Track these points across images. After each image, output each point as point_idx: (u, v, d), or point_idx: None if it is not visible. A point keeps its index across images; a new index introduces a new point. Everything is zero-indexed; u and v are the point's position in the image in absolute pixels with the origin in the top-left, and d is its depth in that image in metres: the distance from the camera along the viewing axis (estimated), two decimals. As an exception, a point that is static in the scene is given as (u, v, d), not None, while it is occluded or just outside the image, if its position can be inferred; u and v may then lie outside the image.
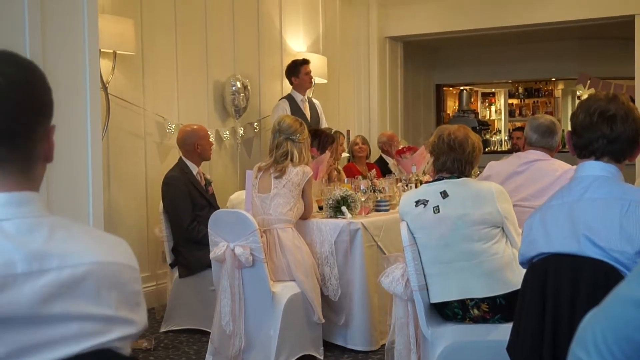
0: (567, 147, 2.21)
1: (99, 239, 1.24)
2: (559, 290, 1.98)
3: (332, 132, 5.52)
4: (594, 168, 2.04)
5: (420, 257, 3.18)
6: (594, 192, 1.99)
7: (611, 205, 1.93)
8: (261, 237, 3.97)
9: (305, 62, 6.53)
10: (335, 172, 5.25)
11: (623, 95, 2.14)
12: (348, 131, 7.95)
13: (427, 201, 3.19)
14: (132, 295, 1.22)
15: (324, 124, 6.58)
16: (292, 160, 4.19)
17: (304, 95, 6.53)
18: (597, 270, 1.90)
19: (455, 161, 3.21)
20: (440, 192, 3.18)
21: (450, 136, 3.21)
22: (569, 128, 2.20)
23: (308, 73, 6.48)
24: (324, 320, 4.16)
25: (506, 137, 13.05)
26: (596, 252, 1.91)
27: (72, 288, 1.13)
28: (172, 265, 4.93)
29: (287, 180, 4.15)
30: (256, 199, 4.23)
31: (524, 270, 2.21)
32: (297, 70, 6.47)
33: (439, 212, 3.14)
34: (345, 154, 7.10)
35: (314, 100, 6.73)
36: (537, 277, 2.05)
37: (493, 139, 13.02)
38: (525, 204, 3.57)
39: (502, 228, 3.15)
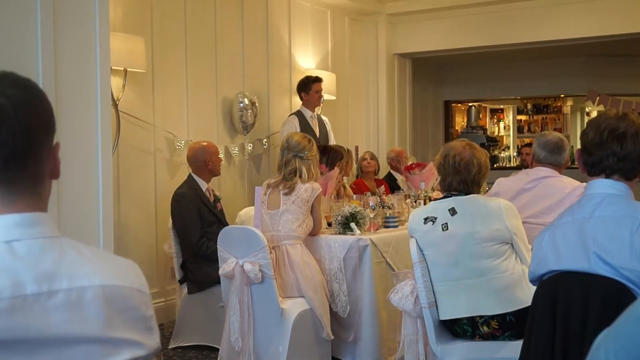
0: (576, 164, 2.20)
1: (110, 261, 1.24)
2: (569, 308, 1.97)
3: (346, 150, 5.54)
4: (604, 186, 2.04)
5: (429, 274, 3.18)
6: (604, 210, 1.99)
7: (622, 223, 1.92)
8: (270, 253, 3.97)
9: (318, 80, 6.56)
10: (342, 188, 5.25)
11: (632, 113, 2.14)
12: (357, 147, 7.97)
13: (435, 218, 3.19)
14: (142, 319, 1.22)
15: (332, 141, 6.60)
16: (300, 177, 4.20)
17: (313, 111, 6.55)
18: (608, 288, 1.90)
19: (461, 182, 3.21)
20: (449, 209, 3.18)
21: (456, 158, 3.20)
22: (578, 145, 2.20)
23: (318, 91, 6.51)
24: (332, 337, 4.15)
25: (515, 153, 13.03)
26: (607, 270, 1.91)
27: (80, 310, 1.14)
28: (181, 282, 4.93)
29: (296, 197, 4.16)
30: (265, 215, 4.24)
31: (534, 288, 2.20)
32: (308, 86, 6.51)
33: (447, 229, 3.14)
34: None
35: (323, 117, 6.76)
36: (547, 295, 2.04)
37: (502, 155, 13.00)
38: (534, 220, 3.56)
39: (512, 244, 3.14)
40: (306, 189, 4.18)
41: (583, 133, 2.15)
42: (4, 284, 1.08)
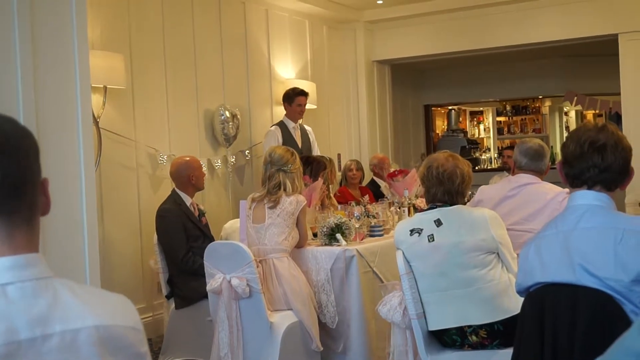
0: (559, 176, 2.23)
1: (103, 300, 1.24)
2: (557, 319, 2.00)
3: (329, 160, 5.55)
4: (587, 197, 2.07)
5: (417, 285, 3.20)
6: (588, 222, 2.01)
7: (605, 234, 1.95)
8: (257, 267, 3.97)
9: (303, 93, 6.58)
10: (326, 198, 5.26)
11: (611, 124, 2.18)
12: (339, 155, 8.00)
13: (421, 230, 3.21)
14: (137, 356, 1.22)
15: (316, 151, 6.61)
16: (285, 190, 4.21)
17: (296, 122, 6.57)
18: (594, 299, 1.92)
19: (445, 193, 3.24)
20: (434, 221, 3.20)
21: (439, 169, 3.23)
22: (558, 147, 2.23)
23: (300, 105, 6.53)
24: (322, 348, 4.16)
25: (496, 155, 13.12)
26: (592, 281, 1.94)
27: (75, 352, 1.14)
28: (168, 297, 4.91)
29: (281, 210, 4.17)
30: (251, 229, 4.24)
31: (521, 297, 2.23)
32: (291, 98, 6.54)
33: (433, 240, 3.17)
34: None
35: (306, 127, 6.77)
36: (534, 306, 2.07)
37: (483, 157, 13.09)
38: (517, 227, 3.60)
39: (497, 254, 3.17)
40: (291, 202, 4.19)
41: (564, 145, 2.18)
42: None
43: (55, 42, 3.47)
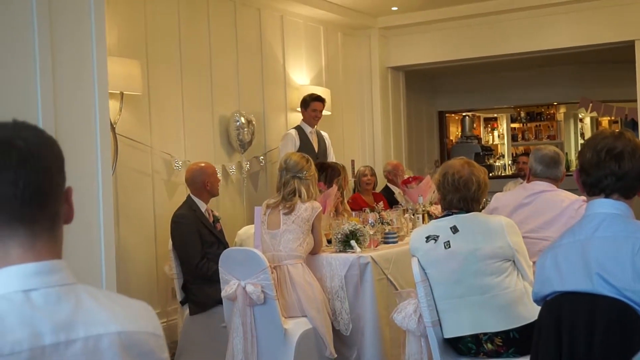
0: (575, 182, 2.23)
1: (124, 306, 1.26)
2: (574, 328, 1.99)
3: (342, 167, 5.54)
4: (605, 206, 2.06)
5: (432, 292, 3.20)
6: (605, 230, 2.01)
7: (623, 243, 1.95)
8: (271, 273, 3.99)
9: (319, 99, 6.62)
10: (340, 205, 5.26)
11: (628, 131, 2.17)
12: (352, 161, 8.00)
13: (437, 237, 3.21)
14: None
15: (331, 157, 6.64)
16: (300, 197, 4.22)
17: (312, 127, 6.60)
18: (612, 308, 1.92)
19: (461, 200, 3.24)
20: (450, 227, 3.20)
21: (454, 176, 3.23)
22: (573, 153, 2.23)
23: (315, 110, 6.56)
24: (336, 355, 4.15)
25: (510, 162, 13.08)
26: (610, 291, 1.93)
27: (98, 358, 1.15)
28: (182, 303, 4.93)
29: (296, 216, 4.18)
30: (265, 235, 4.25)
31: (536, 305, 2.23)
32: (307, 103, 6.58)
33: (449, 247, 3.17)
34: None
35: (323, 133, 6.80)
36: (552, 315, 2.07)
37: (497, 163, 13.05)
38: (533, 235, 3.59)
39: (513, 261, 3.17)
40: (306, 208, 4.20)
41: (580, 153, 2.18)
42: (22, 336, 1.10)
43: (74, 49, 3.50)
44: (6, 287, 1.16)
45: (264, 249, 4.22)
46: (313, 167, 4.36)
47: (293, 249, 4.15)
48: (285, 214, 4.20)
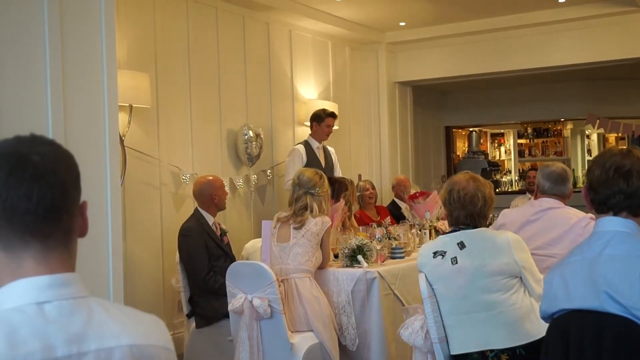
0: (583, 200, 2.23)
1: (136, 319, 1.27)
2: (582, 345, 1.99)
3: (350, 182, 5.55)
4: (613, 223, 2.06)
5: (439, 308, 3.20)
6: (614, 249, 2.01)
7: (632, 262, 1.94)
8: (279, 286, 3.99)
9: (333, 115, 6.65)
10: (347, 219, 5.26)
11: (636, 149, 2.18)
12: (359, 175, 8.01)
13: (444, 252, 3.21)
14: None
15: (338, 172, 6.65)
16: (311, 212, 4.24)
17: (320, 143, 6.62)
18: (620, 326, 1.91)
19: (467, 216, 3.24)
20: (458, 243, 3.21)
21: (460, 193, 3.24)
22: (580, 170, 2.23)
23: (329, 126, 6.60)
24: (342, 370, 4.16)
25: (516, 177, 13.07)
26: (617, 309, 1.93)
27: None
28: (189, 316, 4.94)
29: (306, 231, 4.20)
30: (274, 248, 4.27)
31: (543, 322, 2.22)
32: (321, 118, 6.58)
33: (457, 263, 3.17)
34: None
35: (329, 148, 6.82)
36: (559, 333, 2.06)
37: (503, 179, 13.05)
38: (540, 252, 3.59)
39: (520, 278, 3.17)
40: (316, 223, 4.22)
41: (588, 170, 2.18)
42: (35, 348, 1.11)
43: (84, 62, 3.53)
44: (20, 299, 1.17)
45: (272, 261, 4.24)
46: (326, 183, 4.38)
47: (301, 263, 4.16)
48: (295, 228, 4.22)
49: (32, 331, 1.13)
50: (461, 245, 3.19)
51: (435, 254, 3.24)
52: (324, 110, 6.71)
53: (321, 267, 4.34)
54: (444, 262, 3.20)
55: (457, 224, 3.28)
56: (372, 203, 7.16)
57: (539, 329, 2.95)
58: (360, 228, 5.04)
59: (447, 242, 3.26)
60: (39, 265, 1.20)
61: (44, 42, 3.31)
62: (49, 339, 1.13)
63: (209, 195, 5.02)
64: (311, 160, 6.39)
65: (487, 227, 3.45)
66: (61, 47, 3.38)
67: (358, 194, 7.21)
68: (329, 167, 6.59)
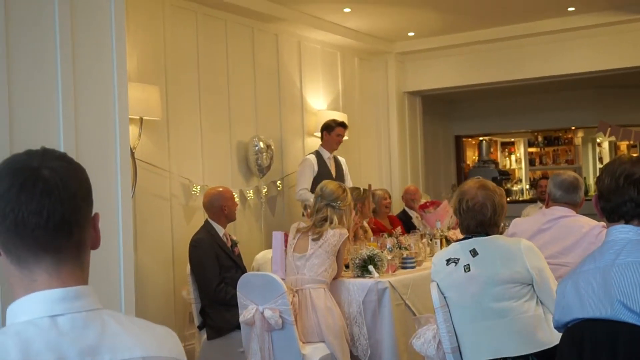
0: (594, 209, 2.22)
1: (149, 331, 1.27)
2: (596, 355, 1.98)
3: (362, 191, 5.54)
4: (625, 232, 2.06)
5: (451, 317, 3.19)
6: (627, 257, 2.00)
7: (644, 270, 1.94)
8: (293, 296, 4.00)
9: (343, 125, 6.68)
10: (362, 231, 5.27)
11: (647, 156, 2.17)
12: (370, 185, 8.00)
13: (458, 259, 3.21)
14: None
15: (348, 181, 6.65)
16: (330, 224, 4.25)
17: (331, 153, 6.64)
18: (634, 335, 1.91)
19: (478, 225, 3.24)
20: (470, 251, 3.20)
21: (469, 202, 3.24)
22: (591, 178, 2.22)
23: (340, 135, 6.61)
24: (354, 381, 4.15)
25: (527, 186, 13.03)
26: (632, 317, 1.92)
27: None
28: (200, 327, 4.95)
29: (323, 242, 4.22)
30: (291, 258, 4.29)
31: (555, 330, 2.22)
32: (331, 128, 6.61)
33: (469, 270, 3.16)
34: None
35: (340, 158, 6.83)
36: (573, 342, 2.06)
37: (514, 188, 13.00)
38: (553, 261, 3.57)
39: (532, 286, 3.15)
40: (334, 234, 4.24)
41: (598, 179, 2.18)
42: None
43: (95, 75, 3.56)
44: (33, 312, 1.18)
45: (288, 272, 4.26)
46: (349, 197, 4.40)
47: (318, 274, 4.18)
48: (313, 239, 4.24)
49: (46, 344, 1.14)
50: (473, 253, 3.19)
51: (448, 261, 3.24)
52: (334, 120, 6.74)
53: (334, 278, 4.34)
54: (456, 270, 3.20)
55: (468, 233, 3.29)
56: (387, 212, 7.13)
57: (552, 337, 2.95)
58: (372, 238, 5.04)
59: (460, 249, 3.26)
60: (51, 278, 1.21)
61: (55, 55, 3.34)
62: (63, 352, 1.14)
63: (219, 207, 5.04)
64: (322, 170, 6.41)
65: (499, 234, 3.44)
66: (72, 59, 3.41)
67: (374, 205, 7.20)
68: (339, 177, 6.59)
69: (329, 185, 4.40)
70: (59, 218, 1.21)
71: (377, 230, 5.74)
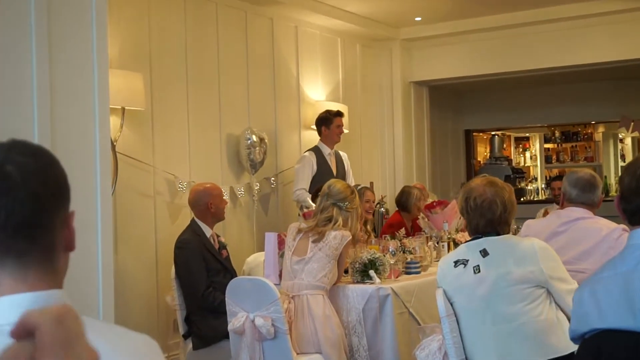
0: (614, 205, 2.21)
1: (128, 340, 1.27)
2: (614, 368, 1.98)
3: (359, 188, 5.53)
4: (648, 235, 2.05)
5: (458, 323, 3.19)
6: (650, 263, 1.99)
7: (670, 277, 1.93)
8: (289, 302, 4.00)
9: (339, 114, 6.68)
10: (364, 234, 5.24)
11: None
12: (371, 183, 8.01)
13: (467, 261, 3.22)
14: None
15: (350, 179, 6.66)
16: (334, 225, 4.25)
17: (332, 148, 6.63)
18: (657, 347, 1.90)
19: (487, 224, 3.24)
20: (480, 251, 3.20)
21: (477, 200, 3.24)
22: (613, 177, 2.22)
23: (340, 126, 6.62)
24: (352, 396, 4.15)
25: (543, 185, 13.03)
26: (655, 329, 1.92)
27: None
28: (185, 336, 4.93)
29: (324, 244, 4.21)
30: (288, 261, 4.28)
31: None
32: (329, 120, 6.60)
33: (479, 271, 3.16)
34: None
35: (342, 154, 6.83)
36: (590, 355, 2.05)
37: (529, 187, 13.00)
38: (568, 267, 3.55)
39: (547, 288, 3.15)
40: (335, 236, 4.23)
41: (620, 179, 2.17)
42: None
43: (73, 61, 3.55)
44: (1, 318, 1.17)
45: (284, 275, 4.25)
46: (357, 200, 4.41)
47: (317, 279, 4.17)
48: (314, 241, 4.24)
49: None
50: (484, 253, 3.19)
51: (456, 263, 3.24)
52: (328, 111, 6.72)
53: (335, 282, 4.35)
54: (465, 271, 3.20)
55: (477, 233, 3.28)
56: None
57: (567, 344, 2.93)
58: (373, 240, 5.03)
59: (469, 250, 3.26)
60: (17, 283, 1.20)
61: (30, 40, 3.33)
62: None
63: (205, 204, 5.01)
64: (322, 168, 6.40)
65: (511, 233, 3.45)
66: (48, 44, 3.39)
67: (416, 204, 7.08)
68: (341, 174, 6.59)
69: (337, 184, 4.41)
70: (18, 219, 1.18)
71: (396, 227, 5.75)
